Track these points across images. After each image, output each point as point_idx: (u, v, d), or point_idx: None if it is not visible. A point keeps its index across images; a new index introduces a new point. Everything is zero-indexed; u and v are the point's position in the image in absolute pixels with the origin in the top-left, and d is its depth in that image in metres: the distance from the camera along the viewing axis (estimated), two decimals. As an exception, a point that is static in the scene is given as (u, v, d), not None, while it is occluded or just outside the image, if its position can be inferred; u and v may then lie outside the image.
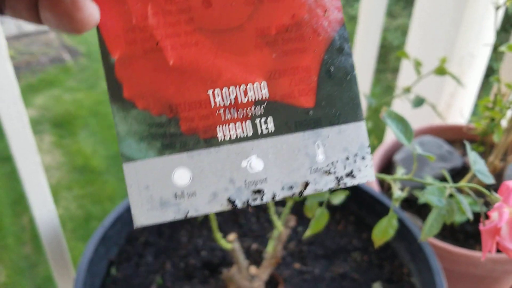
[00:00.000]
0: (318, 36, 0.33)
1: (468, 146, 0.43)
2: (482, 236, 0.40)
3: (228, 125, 0.33)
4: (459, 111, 1.14)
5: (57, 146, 1.90)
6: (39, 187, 0.84)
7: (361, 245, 0.84)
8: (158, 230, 0.86)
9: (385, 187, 0.95)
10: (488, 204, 0.80)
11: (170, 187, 0.32)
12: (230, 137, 0.33)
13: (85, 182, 1.75)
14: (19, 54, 2.37)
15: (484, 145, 0.91)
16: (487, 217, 0.42)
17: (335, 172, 0.33)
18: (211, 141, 0.32)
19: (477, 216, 0.84)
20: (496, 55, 0.79)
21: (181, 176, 0.32)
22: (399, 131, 0.45)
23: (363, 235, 0.86)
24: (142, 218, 0.32)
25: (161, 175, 0.32)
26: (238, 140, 0.33)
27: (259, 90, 0.33)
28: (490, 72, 1.29)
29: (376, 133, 1.50)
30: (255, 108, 0.33)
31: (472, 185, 0.42)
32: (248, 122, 0.33)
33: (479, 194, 0.79)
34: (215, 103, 0.32)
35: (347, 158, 0.33)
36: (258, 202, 0.33)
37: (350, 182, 0.34)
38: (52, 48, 2.47)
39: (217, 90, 0.33)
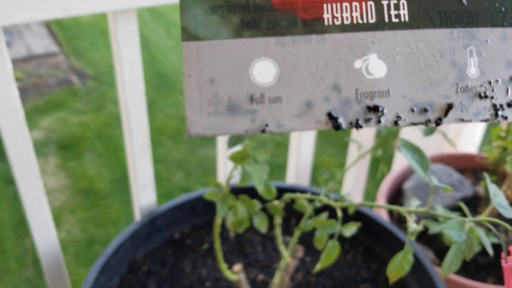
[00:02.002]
0: None
1: (487, 178, 0.41)
2: (504, 273, 0.38)
3: (341, 3, 0.22)
4: (470, 138, 1.12)
5: (62, 169, 1.89)
6: (40, 212, 0.82)
7: (371, 277, 0.82)
8: (161, 259, 0.84)
9: (395, 216, 0.93)
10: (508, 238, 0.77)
11: (245, 85, 0.22)
12: (342, 22, 0.22)
13: (88, 205, 1.73)
14: (27, 76, 2.37)
15: (496, 174, 0.89)
16: (508, 252, 0.40)
17: (492, 97, 0.23)
18: (313, 25, 0.22)
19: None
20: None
21: (263, 72, 0.22)
22: (415, 161, 0.43)
23: (372, 265, 0.84)
24: (199, 126, 0.22)
25: (234, 66, 0.22)
26: (354, 27, 0.22)
27: None
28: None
29: (385, 160, 1.48)
30: None
31: (493, 220, 0.40)
32: (371, 3, 0.22)
33: (495, 226, 0.77)
34: None
35: None
36: (372, 124, 0.22)
37: None
38: (60, 71, 2.47)
39: None
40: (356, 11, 0.22)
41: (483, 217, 0.41)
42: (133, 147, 0.84)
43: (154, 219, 0.86)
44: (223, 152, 0.95)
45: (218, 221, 0.68)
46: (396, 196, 0.99)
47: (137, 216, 0.92)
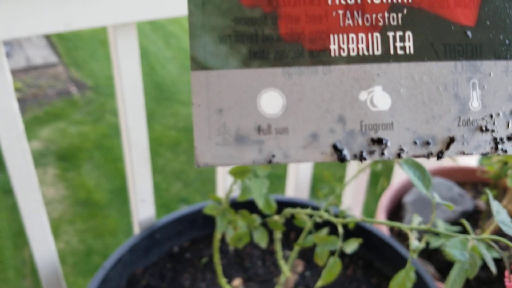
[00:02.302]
0: None
1: (490, 195, 0.41)
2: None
3: (348, 35, 0.22)
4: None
5: (60, 179, 1.89)
6: (39, 224, 0.82)
7: (371, 291, 0.81)
8: (160, 273, 0.84)
9: (395, 230, 0.93)
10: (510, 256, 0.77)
11: (253, 116, 0.22)
12: (348, 53, 0.22)
13: (87, 216, 1.72)
14: (26, 87, 2.37)
15: (497, 188, 0.89)
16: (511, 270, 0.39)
17: (493, 130, 0.23)
18: (319, 56, 0.22)
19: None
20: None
21: (271, 102, 0.22)
22: (417, 178, 0.43)
23: (372, 280, 0.83)
24: (208, 156, 0.22)
25: (242, 96, 0.22)
26: (360, 59, 0.22)
27: None
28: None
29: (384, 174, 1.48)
30: (389, 15, 0.22)
31: (496, 238, 0.40)
32: (377, 35, 0.22)
33: (496, 242, 0.76)
34: None
35: None
36: (376, 157, 0.23)
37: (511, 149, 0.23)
38: (60, 81, 2.48)
39: None
40: (362, 42, 0.23)
41: (486, 233, 0.41)
42: (132, 160, 0.84)
43: (153, 232, 0.85)
44: (222, 165, 0.95)
45: (217, 236, 0.68)
46: (396, 209, 0.99)
47: (136, 230, 0.92)
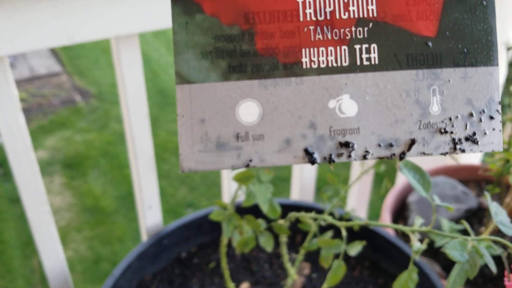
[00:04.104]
0: None
1: (488, 197, 0.42)
2: (507, 292, 0.39)
3: (318, 48, 0.25)
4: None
5: (67, 187, 1.90)
6: (48, 235, 0.83)
7: (377, 291, 0.82)
8: (169, 278, 0.85)
9: (400, 230, 0.94)
10: (510, 256, 0.78)
11: (232, 124, 0.25)
12: (318, 65, 0.25)
13: (95, 223, 1.74)
14: (31, 97, 2.39)
15: (500, 186, 0.90)
16: (511, 270, 0.40)
17: (452, 132, 0.25)
18: (293, 68, 0.25)
19: (496, 259, 0.82)
20: (508, 91, 0.78)
21: (248, 111, 0.25)
22: (416, 181, 0.44)
23: (379, 280, 0.84)
24: (191, 161, 0.24)
25: (222, 107, 0.24)
26: (329, 70, 0.25)
27: (365, 5, 0.25)
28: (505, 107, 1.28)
29: (388, 175, 1.49)
30: (356, 30, 0.25)
31: (495, 238, 0.40)
32: (345, 48, 0.25)
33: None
34: (305, 16, 0.24)
35: (471, 115, 0.25)
36: (344, 159, 0.25)
37: (469, 149, 0.25)
38: (64, 90, 2.49)
39: (309, 0, 0.24)
40: (331, 55, 0.25)
41: (486, 233, 0.41)
42: (138, 169, 0.85)
43: (161, 239, 0.86)
44: (227, 171, 0.96)
45: (224, 241, 0.69)
46: (401, 209, 0.99)
47: (144, 236, 0.93)
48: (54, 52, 2.81)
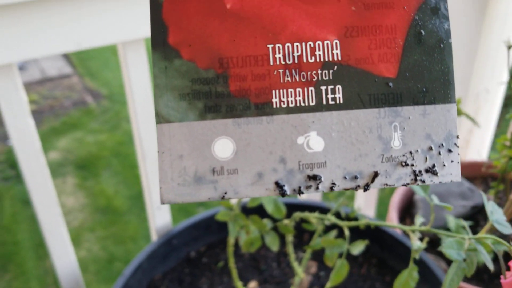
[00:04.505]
0: None
1: (484, 196, 0.42)
2: (504, 290, 0.39)
3: (287, 90, 0.27)
4: (479, 146, 1.13)
5: (80, 188, 1.92)
6: (59, 237, 0.85)
7: (384, 289, 0.83)
8: (178, 278, 0.86)
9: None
10: (507, 254, 0.78)
11: (208, 160, 0.26)
12: (287, 105, 0.27)
13: (107, 223, 1.76)
14: (42, 99, 2.42)
15: (504, 182, 0.90)
16: (508, 268, 0.41)
17: (412, 165, 0.27)
18: (263, 108, 0.27)
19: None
20: (510, 87, 0.79)
21: (223, 148, 0.26)
22: (415, 182, 0.44)
23: (386, 278, 0.85)
24: (171, 194, 0.26)
25: (199, 144, 0.26)
26: (297, 109, 0.27)
27: (330, 49, 0.26)
28: (509, 101, 1.28)
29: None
30: (322, 72, 0.27)
31: (491, 237, 0.41)
32: (312, 89, 0.27)
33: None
34: (275, 60, 0.26)
35: (430, 149, 0.27)
36: (312, 191, 0.27)
37: (429, 180, 0.27)
38: (75, 92, 2.52)
39: (278, 45, 0.26)
40: (299, 95, 0.27)
41: (482, 232, 0.42)
42: (146, 170, 0.86)
43: (170, 238, 0.88)
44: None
45: (231, 241, 0.70)
46: (408, 207, 1.00)
47: (154, 236, 0.95)
48: (65, 54, 2.84)
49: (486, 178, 1.04)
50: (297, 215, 0.62)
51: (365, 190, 0.27)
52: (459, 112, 0.83)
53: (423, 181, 0.27)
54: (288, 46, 0.26)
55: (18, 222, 1.76)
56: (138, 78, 0.77)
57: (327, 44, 0.26)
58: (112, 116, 2.35)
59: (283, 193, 0.26)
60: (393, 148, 0.27)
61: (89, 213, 1.81)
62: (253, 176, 0.26)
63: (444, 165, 0.27)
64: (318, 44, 0.26)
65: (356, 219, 0.76)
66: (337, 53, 0.27)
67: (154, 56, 0.27)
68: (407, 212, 0.99)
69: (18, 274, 1.54)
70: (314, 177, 0.27)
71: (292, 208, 0.83)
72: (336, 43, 0.27)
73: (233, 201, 0.85)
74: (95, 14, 0.68)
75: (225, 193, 0.27)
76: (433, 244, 0.90)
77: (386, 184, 0.27)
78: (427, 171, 0.27)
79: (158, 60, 0.26)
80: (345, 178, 0.27)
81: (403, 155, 0.27)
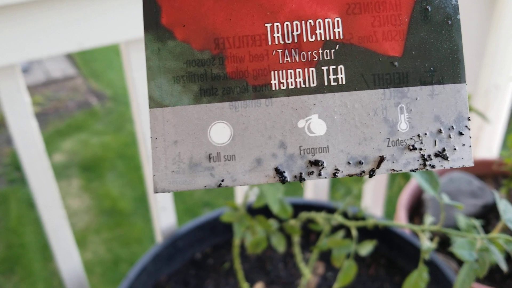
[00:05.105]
0: None
1: (496, 194, 0.41)
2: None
3: (286, 71, 0.25)
4: (489, 144, 1.11)
5: (85, 190, 1.92)
6: (63, 239, 0.84)
7: (393, 289, 0.82)
8: (184, 280, 0.85)
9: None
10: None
11: (204, 146, 0.25)
12: (287, 87, 0.25)
13: (113, 225, 1.75)
14: (47, 101, 2.42)
15: (516, 180, 0.89)
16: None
17: (421, 149, 0.26)
18: (262, 90, 0.25)
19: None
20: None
21: (219, 133, 0.25)
22: (424, 180, 0.43)
23: (395, 278, 0.84)
24: (164, 182, 0.25)
25: (194, 129, 0.25)
26: (297, 91, 0.25)
27: (331, 28, 0.25)
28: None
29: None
30: (323, 52, 0.25)
31: (504, 236, 0.40)
32: (313, 70, 0.25)
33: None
34: (273, 40, 0.25)
35: (439, 132, 0.25)
36: (314, 177, 0.25)
37: (439, 165, 0.26)
38: (79, 93, 2.52)
39: (277, 24, 0.25)
40: (299, 76, 0.25)
41: (495, 232, 0.41)
42: (151, 171, 0.85)
43: (175, 240, 0.87)
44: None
45: (236, 241, 0.69)
46: (417, 206, 0.99)
47: (158, 238, 0.94)
48: (69, 56, 2.84)
49: (497, 176, 1.03)
50: (304, 215, 0.61)
51: (371, 176, 0.25)
52: (469, 109, 0.81)
53: (433, 166, 0.25)
54: (287, 25, 0.25)
55: (24, 224, 1.75)
56: (141, 78, 0.76)
57: (328, 22, 0.25)
58: (117, 118, 2.34)
59: (283, 180, 0.25)
60: (399, 131, 0.26)
61: (94, 215, 1.80)
62: (251, 162, 0.25)
63: (455, 149, 0.26)
64: (319, 23, 0.25)
65: (363, 219, 0.74)
66: (338, 32, 0.25)
67: (146, 37, 0.26)
68: (416, 211, 0.97)
69: (24, 276, 1.54)
70: (316, 163, 0.25)
71: (298, 208, 0.81)
72: (337, 21, 0.25)
73: (239, 202, 0.84)
74: (97, 14, 0.67)
75: (222, 180, 0.25)
76: (443, 244, 0.89)
77: (393, 170, 0.25)
78: (436, 155, 0.26)
79: (151, 42, 0.25)
80: (349, 163, 0.25)
81: (411, 139, 0.26)
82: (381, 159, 0.26)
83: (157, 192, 0.25)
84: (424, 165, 0.25)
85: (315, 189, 1.06)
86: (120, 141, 2.18)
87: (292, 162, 0.25)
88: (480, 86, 1.03)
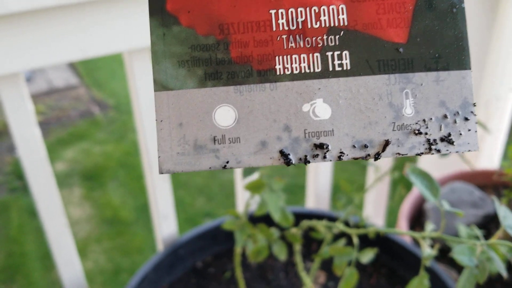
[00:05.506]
0: None
1: (496, 201, 0.41)
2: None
3: (291, 56, 0.26)
4: (488, 156, 1.11)
5: (86, 199, 1.92)
6: (65, 248, 0.84)
7: (394, 299, 0.82)
8: (185, 288, 0.85)
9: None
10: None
11: (209, 128, 0.26)
12: (291, 72, 0.26)
13: (114, 234, 1.75)
14: (49, 110, 2.43)
15: (517, 190, 0.89)
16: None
17: (426, 133, 0.26)
18: (266, 75, 0.26)
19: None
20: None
21: (224, 116, 0.26)
22: (424, 187, 0.43)
23: (396, 287, 0.84)
24: (170, 164, 0.25)
25: (199, 112, 0.26)
26: (302, 76, 0.26)
27: (336, 14, 0.26)
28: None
29: (402, 182, 1.47)
30: (328, 38, 0.26)
31: (504, 243, 0.40)
32: (317, 55, 0.26)
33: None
34: (278, 26, 0.26)
35: (445, 117, 0.26)
36: (319, 160, 0.26)
37: (445, 149, 0.26)
38: (82, 103, 2.53)
39: (282, 10, 0.26)
40: (304, 61, 0.26)
41: (494, 238, 0.41)
42: (153, 179, 0.86)
43: (177, 249, 0.87)
44: (241, 180, 0.97)
45: (238, 250, 0.69)
46: (418, 216, 0.99)
47: (160, 246, 0.94)
48: (72, 65, 2.85)
49: (498, 187, 1.03)
50: (305, 223, 0.61)
51: (376, 159, 0.26)
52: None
53: (438, 150, 0.26)
54: (291, 12, 0.26)
55: (25, 233, 1.75)
56: (144, 87, 0.77)
57: (333, 9, 0.26)
58: (119, 127, 2.35)
59: (288, 162, 0.25)
60: (405, 115, 0.26)
61: (96, 224, 1.80)
62: (256, 145, 0.26)
63: (461, 134, 0.26)
64: (323, 9, 0.26)
65: (365, 228, 0.75)
66: (343, 18, 0.26)
67: (151, 23, 0.26)
68: (417, 221, 0.97)
69: (25, 285, 1.54)
70: (321, 146, 0.26)
71: (299, 217, 0.81)
72: (342, 8, 0.26)
73: (240, 210, 0.84)
74: (101, 23, 0.68)
75: (227, 162, 0.26)
76: (444, 253, 0.89)
77: (399, 153, 0.26)
78: (442, 140, 0.26)
79: (156, 27, 0.26)
80: (354, 147, 0.26)
81: (416, 123, 0.26)
82: (387, 143, 0.26)
83: (162, 173, 0.25)
84: (430, 149, 0.26)
85: (317, 198, 1.06)
86: (122, 150, 2.19)
87: (297, 145, 0.26)
88: (481, 96, 1.03)
